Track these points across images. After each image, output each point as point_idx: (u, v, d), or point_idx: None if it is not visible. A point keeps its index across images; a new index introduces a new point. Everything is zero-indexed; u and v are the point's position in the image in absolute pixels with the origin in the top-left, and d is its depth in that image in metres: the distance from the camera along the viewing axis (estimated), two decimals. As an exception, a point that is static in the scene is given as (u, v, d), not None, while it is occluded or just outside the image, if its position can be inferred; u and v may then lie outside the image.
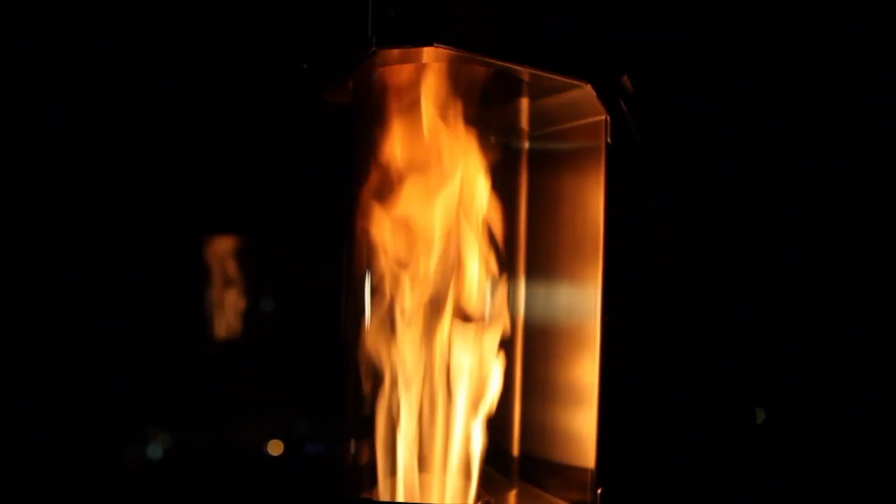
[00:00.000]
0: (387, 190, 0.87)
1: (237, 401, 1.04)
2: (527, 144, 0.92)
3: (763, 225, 0.95)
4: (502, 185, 0.88)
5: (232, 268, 1.03)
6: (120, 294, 0.97)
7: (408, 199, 0.86)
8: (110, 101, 0.93)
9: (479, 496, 0.86)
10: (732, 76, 0.92)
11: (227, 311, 1.04)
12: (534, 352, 0.92)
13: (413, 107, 0.86)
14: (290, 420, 1.05)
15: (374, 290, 0.88)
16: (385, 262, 0.87)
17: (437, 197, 0.86)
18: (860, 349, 0.91)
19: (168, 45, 0.93)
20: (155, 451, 1.00)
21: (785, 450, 0.93)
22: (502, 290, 0.89)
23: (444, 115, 0.86)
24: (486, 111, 0.87)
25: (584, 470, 0.87)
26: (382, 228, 0.87)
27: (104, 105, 0.93)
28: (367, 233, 0.88)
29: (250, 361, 1.04)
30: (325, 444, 1.02)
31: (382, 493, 0.85)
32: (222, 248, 1.03)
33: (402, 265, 0.87)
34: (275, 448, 1.03)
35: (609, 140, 0.83)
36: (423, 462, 0.87)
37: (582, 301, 0.88)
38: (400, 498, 0.85)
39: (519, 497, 0.89)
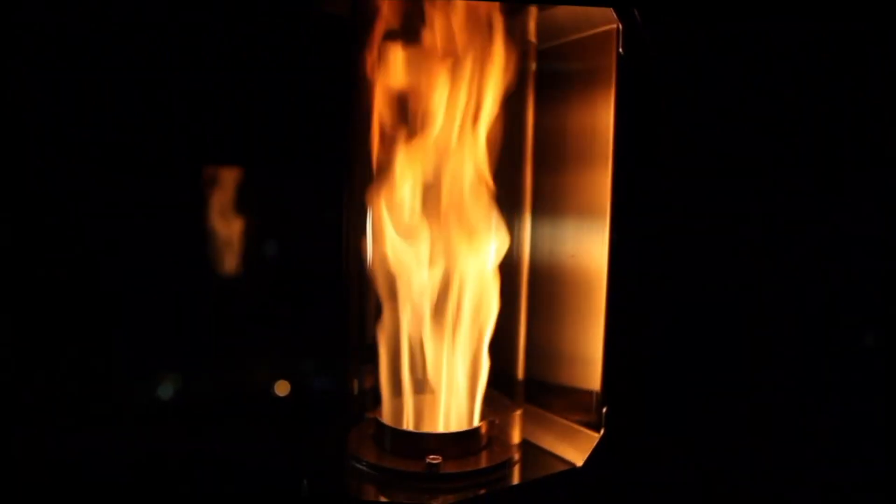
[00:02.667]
0: (388, 108, 0.84)
1: (243, 342, 1.04)
2: (534, 63, 0.88)
3: (781, 155, 0.92)
4: (509, 101, 0.85)
5: (231, 204, 1.02)
6: (117, 235, 0.96)
7: (410, 117, 0.84)
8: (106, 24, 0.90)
9: (483, 416, 0.86)
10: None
11: (229, 249, 1.03)
12: (540, 278, 0.91)
13: (415, 20, 0.83)
14: (295, 360, 1.06)
15: (376, 216, 0.86)
16: (387, 187, 0.85)
17: (441, 115, 0.83)
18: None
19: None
20: (165, 390, 1.01)
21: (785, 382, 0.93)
22: (508, 212, 0.87)
23: (447, 30, 0.83)
24: (493, 22, 0.84)
25: (589, 392, 0.86)
26: (384, 151, 0.85)
27: (100, 29, 0.89)
28: (368, 157, 0.85)
29: (254, 301, 1.04)
30: (330, 379, 1.03)
31: (386, 413, 0.85)
32: (220, 183, 1.01)
33: (403, 188, 0.84)
34: (282, 389, 1.04)
35: (621, 50, 0.80)
36: (427, 384, 0.87)
37: (590, 228, 0.86)
38: (406, 418, 0.85)
39: (523, 417, 0.88)
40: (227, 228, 1.03)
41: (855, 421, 0.91)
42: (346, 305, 0.89)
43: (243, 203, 1.01)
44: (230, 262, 1.05)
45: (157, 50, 0.89)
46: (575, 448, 0.85)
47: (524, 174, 0.90)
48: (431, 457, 0.79)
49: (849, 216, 0.91)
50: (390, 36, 0.83)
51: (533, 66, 0.88)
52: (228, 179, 1.01)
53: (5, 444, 0.90)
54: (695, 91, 0.89)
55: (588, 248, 0.87)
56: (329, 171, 0.94)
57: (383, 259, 0.86)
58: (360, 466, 0.82)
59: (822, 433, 0.92)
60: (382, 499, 0.77)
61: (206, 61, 0.90)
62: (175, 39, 0.89)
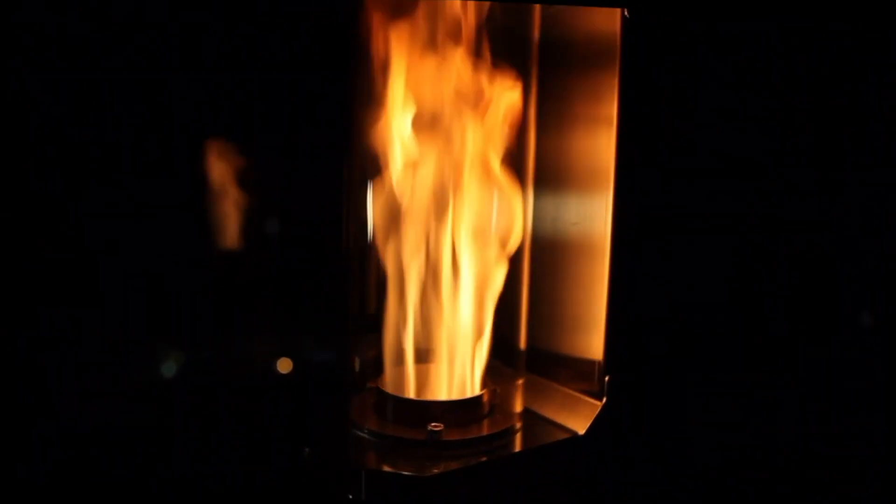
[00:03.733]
0: (390, 80, 0.83)
1: (245, 320, 1.05)
2: (537, 32, 0.87)
3: (787, 123, 0.91)
4: (511, 73, 0.84)
5: (232, 182, 1.02)
6: (120, 212, 0.96)
7: (411, 92, 0.83)
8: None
9: (485, 385, 0.85)
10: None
11: (231, 227, 1.03)
12: (543, 250, 0.90)
13: None
14: (297, 338, 1.06)
15: (377, 188, 0.85)
16: (387, 162, 0.84)
17: (442, 89, 0.82)
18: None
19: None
20: (168, 368, 1.01)
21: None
22: (510, 184, 0.87)
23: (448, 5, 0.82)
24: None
25: (591, 361, 0.86)
26: (385, 125, 0.84)
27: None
28: (369, 133, 0.84)
29: (255, 279, 1.04)
30: (332, 350, 1.03)
31: (387, 382, 0.85)
32: (220, 161, 1.01)
33: (404, 163, 0.84)
34: (284, 366, 1.04)
35: (627, 14, 0.78)
36: (428, 353, 0.87)
37: (594, 200, 0.85)
38: (407, 386, 0.84)
39: (526, 387, 0.88)
40: (227, 203, 1.03)
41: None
42: (347, 275, 0.88)
43: (242, 175, 1.01)
44: (230, 235, 1.05)
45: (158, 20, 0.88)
46: (577, 416, 0.85)
47: (528, 138, 0.89)
48: (433, 424, 0.79)
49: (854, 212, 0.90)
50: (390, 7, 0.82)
51: (536, 34, 0.87)
52: (227, 152, 1.01)
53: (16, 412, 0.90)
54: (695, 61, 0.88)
55: (591, 215, 0.86)
56: (329, 142, 0.94)
57: (386, 224, 0.85)
58: (362, 434, 0.82)
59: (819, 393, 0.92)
60: (384, 466, 0.77)
61: (204, 40, 0.90)
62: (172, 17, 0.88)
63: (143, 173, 0.94)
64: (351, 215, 0.87)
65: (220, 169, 1.01)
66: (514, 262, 0.89)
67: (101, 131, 0.93)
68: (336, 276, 0.88)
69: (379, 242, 0.85)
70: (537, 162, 0.90)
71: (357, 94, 0.83)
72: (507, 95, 0.85)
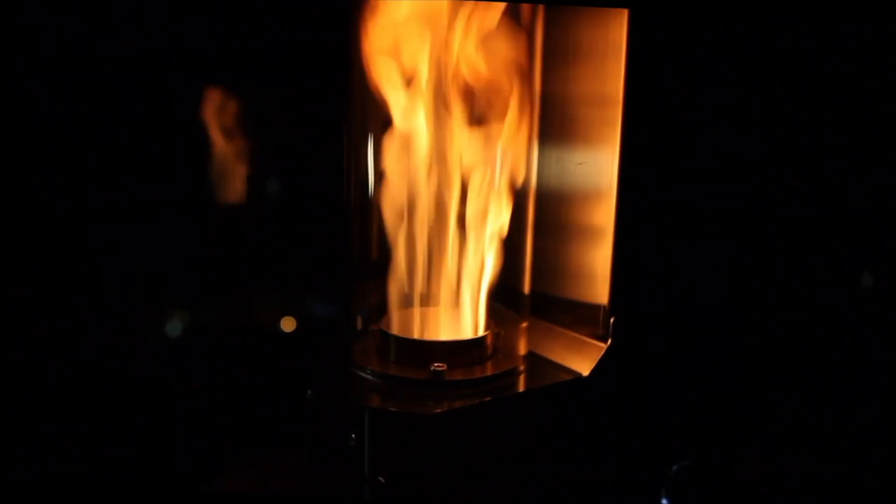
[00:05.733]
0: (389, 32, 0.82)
1: (248, 278, 1.05)
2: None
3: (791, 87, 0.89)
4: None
5: (234, 139, 1.02)
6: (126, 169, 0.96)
7: (411, 41, 0.81)
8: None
9: (487, 327, 0.85)
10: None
11: (234, 184, 1.03)
12: (548, 196, 0.89)
13: None
14: (300, 296, 1.06)
15: (380, 131, 0.84)
16: (390, 104, 0.83)
17: (445, 29, 0.81)
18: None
19: None
20: (173, 328, 1.01)
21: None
22: (514, 125, 0.85)
23: None
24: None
25: (596, 306, 0.85)
26: (386, 70, 0.82)
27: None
28: (370, 83, 0.83)
29: (258, 237, 1.04)
30: (334, 295, 1.03)
31: (390, 324, 0.84)
32: (222, 114, 1.01)
33: (406, 105, 0.82)
34: (288, 325, 1.05)
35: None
36: (432, 296, 0.86)
37: (600, 147, 0.84)
38: (411, 327, 0.84)
39: (530, 330, 0.87)
40: (228, 153, 1.02)
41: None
42: (349, 220, 0.87)
43: (242, 122, 1.01)
44: (233, 186, 1.04)
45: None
46: (581, 358, 0.84)
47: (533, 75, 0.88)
48: (436, 364, 0.79)
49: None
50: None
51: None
52: (226, 103, 1.01)
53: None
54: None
55: (596, 162, 0.85)
56: (329, 90, 0.93)
57: (389, 167, 0.84)
58: (365, 375, 0.81)
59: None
60: (387, 405, 0.77)
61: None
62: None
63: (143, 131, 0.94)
64: (353, 160, 0.87)
65: (220, 119, 1.01)
66: (519, 208, 0.88)
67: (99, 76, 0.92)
68: (338, 220, 0.88)
69: (381, 185, 0.85)
70: (543, 101, 0.89)
71: (356, 39, 0.82)
72: (510, 33, 0.83)
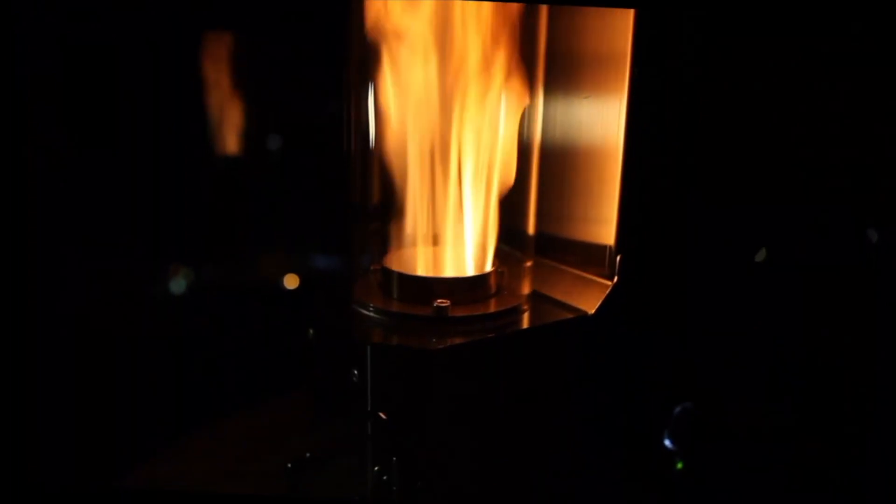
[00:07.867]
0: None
1: (251, 236, 1.05)
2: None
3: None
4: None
5: (234, 107, 1.01)
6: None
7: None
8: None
9: (491, 265, 0.84)
10: None
11: (230, 127, 1.03)
12: (553, 148, 0.87)
13: None
14: (302, 253, 1.06)
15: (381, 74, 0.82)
16: (391, 47, 0.81)
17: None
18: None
19: None
20: (177, 285, 1.01)
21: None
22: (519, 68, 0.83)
23: None
24: None
25: (602, 246, 0.84)
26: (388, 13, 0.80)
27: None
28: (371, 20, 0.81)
29: (259, 196, 1.05)
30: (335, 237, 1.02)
31: (394, 260, 0.83)
32: (222, 80, 1.00)
33: (408, 48, 0.81)
34: (291, 282, 1.04)
35: None
36: (435, 235, 0.85)
37: (606, 90, 0.82)
38: (414, 264, 0.83)
39: (535, 270, 0.86)
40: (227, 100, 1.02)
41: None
42: (348, 160, 0.86)
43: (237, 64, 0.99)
44: (231, 138, 1.04)
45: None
46: (587, 297, 0.83)
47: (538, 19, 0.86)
48: (439, 301, 0.78)
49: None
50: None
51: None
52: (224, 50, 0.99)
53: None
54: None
55: (603, 110, 0.83)
56: (329, 34, 0.91)
57: (393, 105, 0.82)
58: (367, 312, 0.80)
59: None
60: (389, 340, 0.76)
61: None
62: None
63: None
64: (354, 100, 0.85)
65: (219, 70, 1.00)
66: (524, 154, 0.86)
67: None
68: (338, 160, 0.87)
69: (384, 124, 0.83)
70: (548, 45, 0.87)
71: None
72: None
